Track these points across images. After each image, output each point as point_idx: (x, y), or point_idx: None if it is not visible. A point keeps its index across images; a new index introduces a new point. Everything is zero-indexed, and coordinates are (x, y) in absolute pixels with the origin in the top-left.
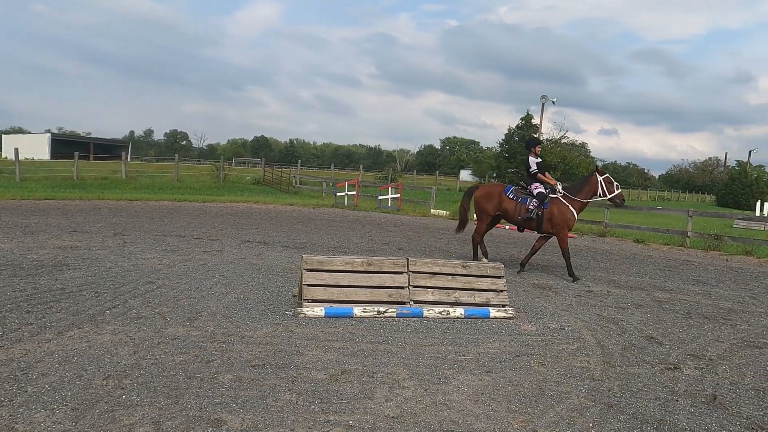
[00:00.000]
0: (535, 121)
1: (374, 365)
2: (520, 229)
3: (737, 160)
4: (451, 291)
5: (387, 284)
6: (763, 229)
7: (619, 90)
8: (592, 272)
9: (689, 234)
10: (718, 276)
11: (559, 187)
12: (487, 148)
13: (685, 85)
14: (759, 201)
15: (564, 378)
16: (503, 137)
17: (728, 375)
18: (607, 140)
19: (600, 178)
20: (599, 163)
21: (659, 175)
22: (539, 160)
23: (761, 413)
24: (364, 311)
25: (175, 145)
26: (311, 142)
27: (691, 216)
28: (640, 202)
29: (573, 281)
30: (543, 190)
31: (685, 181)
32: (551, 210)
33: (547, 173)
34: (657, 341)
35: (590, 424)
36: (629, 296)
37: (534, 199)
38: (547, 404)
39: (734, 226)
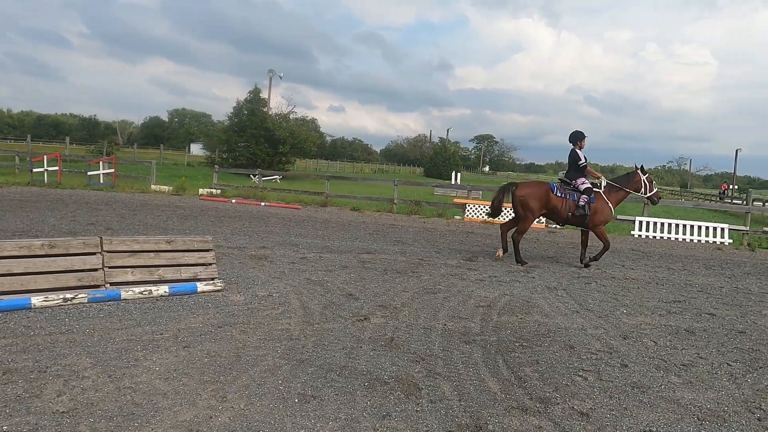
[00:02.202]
0: (264, 95)
1: (49, 359)
2: (562, 225)
3: (440, 137)
4: (154, 269)
5: (76, 267)
6: (455, 194)
7: (345, 70)
8: (310, 239)
9: (395, 201)
10: (414, 236)
11: (604, 181)
12: (219, 121)
13: (400, 69)
14: (454, 171)
15: (263, 342)
16: (232, 110)
17: (406, 319)
18: (335, 117)
19: (643, 177)
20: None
21: (380, 150)
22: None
23: (425, 347)
24: (46, 300)
25: None
26: (4, 110)
27: (396, 185)
28: (361, 174)
29: (584, 266)
30: (590, 185)
31: (401, 155)
32: (595, 206)
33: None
34: (354, 297)
35: (279, 381)
36: (338, 259)
37: (583, 195)
38: (242, 369)
39: (435, 193)
